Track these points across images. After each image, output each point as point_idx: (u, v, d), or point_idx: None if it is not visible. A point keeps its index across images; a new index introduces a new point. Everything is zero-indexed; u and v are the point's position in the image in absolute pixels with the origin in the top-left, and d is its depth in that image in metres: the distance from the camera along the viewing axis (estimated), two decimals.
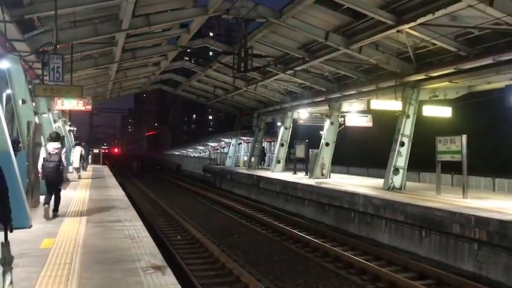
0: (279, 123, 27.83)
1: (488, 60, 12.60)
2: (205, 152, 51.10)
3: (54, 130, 16.94)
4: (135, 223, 8.99)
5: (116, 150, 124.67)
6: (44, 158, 9.23)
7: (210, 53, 28.53)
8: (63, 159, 9.39)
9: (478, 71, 13.43)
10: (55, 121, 20.48)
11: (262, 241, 13.05)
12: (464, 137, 13.23)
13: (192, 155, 56.87)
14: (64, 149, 9.74)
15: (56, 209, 9.49)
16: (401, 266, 10.00)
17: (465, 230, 9.88)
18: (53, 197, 9.38)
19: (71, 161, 19.81)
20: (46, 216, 9.05)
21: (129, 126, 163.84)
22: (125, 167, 52.83)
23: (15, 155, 8.90)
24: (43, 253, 6.35)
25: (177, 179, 38.05)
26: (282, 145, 26.24)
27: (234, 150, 36.31)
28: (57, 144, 9.38)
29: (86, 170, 25.40)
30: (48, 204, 9.15)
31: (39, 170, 9.34)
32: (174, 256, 10.42)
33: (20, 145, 12.82)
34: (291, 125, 26.18)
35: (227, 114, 55.30)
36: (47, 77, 11.36)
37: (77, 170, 20.04)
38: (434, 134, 14.65)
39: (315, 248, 11.76)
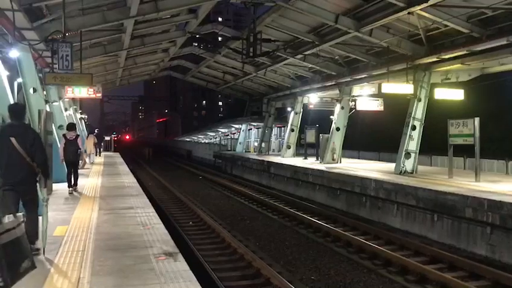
0: (289, 109, 27.68)
1: (502, 41, 12.35)
2: (215, 138, 51.16)
3: (65, 119, 17.12)
4: (147, 210, 9.06)
5: (127, 137, 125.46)
6: (65, 143, 11.19)
7: (219, 39, 28.33)
8: (80, 144, 11.35)
9: (491, 52, 13.19)
10: (66, 109, 20.57)
11: (274, 226, 13.09)
12: (476, 119, 13.04)
13: (202, 141, 57.03)
14: (80, 137, 11.71)
15: (75, 183, 11.49)
16: (413, 250, 9.99)
17: (478, 213, 9.80)
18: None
19: (84, 147, 20.33)
20: (74, 191, 11.38)
21: (140, 113, 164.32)
22: (136, 153, 53.14)
23: None
24: (56, 240, 6.43)
25: (188, 165, 38.23)
26: (292, 130, 26.14)
27: (245, 136, 36.30)
28: (74, 133, 11.39)
29: (100, 156, 28.21)
30: (71, 185, 11.31)
31: (61, 153, 11.20)
32: (186, 242, 10.51)
33: None
34: (301, 110, 26.01)
35: (237, 99, 55.20)
36: (57, 65, 11.41)
37: (89, 156, 20.48)
38: (446, 117, 14.47)
39: (326, 233, 11.77)
